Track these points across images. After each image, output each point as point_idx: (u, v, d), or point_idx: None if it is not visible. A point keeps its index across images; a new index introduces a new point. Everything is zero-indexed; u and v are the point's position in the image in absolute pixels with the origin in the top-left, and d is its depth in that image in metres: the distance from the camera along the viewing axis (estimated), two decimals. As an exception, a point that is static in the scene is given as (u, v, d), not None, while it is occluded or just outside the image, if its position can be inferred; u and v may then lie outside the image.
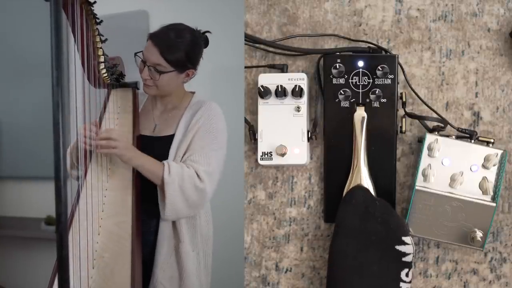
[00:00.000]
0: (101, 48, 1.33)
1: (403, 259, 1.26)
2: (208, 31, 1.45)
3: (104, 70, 1.37)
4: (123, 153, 1.33)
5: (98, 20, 1.30)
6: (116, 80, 1.49)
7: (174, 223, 1.41)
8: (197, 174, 1.36)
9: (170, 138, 1.42)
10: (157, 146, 1.41)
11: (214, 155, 1.40)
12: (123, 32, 1.80)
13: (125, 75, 1.52)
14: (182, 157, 1.39)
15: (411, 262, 1.26)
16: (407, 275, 1.26)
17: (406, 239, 1.25)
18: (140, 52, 1.41)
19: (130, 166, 1.37)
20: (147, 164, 1.35)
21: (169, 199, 1.34)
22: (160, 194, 1.36)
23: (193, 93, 1.51)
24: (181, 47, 1.39)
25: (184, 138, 1.41)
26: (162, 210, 1.36)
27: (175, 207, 1.35)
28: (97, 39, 1.32)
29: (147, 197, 1.38)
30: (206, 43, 1.46)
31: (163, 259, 1.41)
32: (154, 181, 1.36)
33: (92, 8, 1.25)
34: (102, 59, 1.34)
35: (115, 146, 1.32)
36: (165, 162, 1.36)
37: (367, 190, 1.29)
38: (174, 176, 1.34)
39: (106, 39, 1.34)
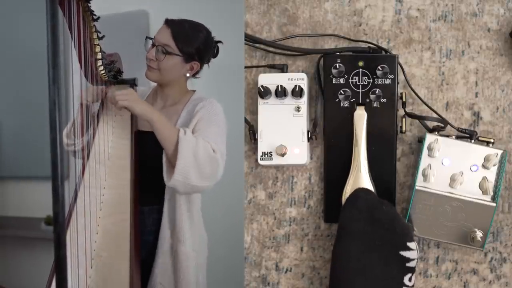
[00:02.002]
0: (98, 45, 1.33)
1: (407, 264, 1.25)
2: (220, 41, 1.46)
3: (102, 67, 1.37)
4: (133, 105, 1.29)
5: (95, 17, 1.29)
6: (114, 77, 1.49)
7: (174, 222, 1.40)
8: (210, 146, 1.31)
9: None
10: (157, 141, 1.41)
11: (220, 140, 1.35)
12: (123, 31, 1.80)
13: (122, 72, 1.52)
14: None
15: (414, 267, 1.26)
16: (410, 279, 1.26)
17: (411, 244, 1.25)
18: (152, 38, 1.41)
19: (128, 164, 1.36)
20: (162, 121, 1.30)
21: (181, 160, 1.25)
22: (171, 157, 1.28)
23: (194, 91, 1.50)
24: (192, 38, 1.40)
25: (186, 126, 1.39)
26: (169, 174, 1.28)
27: (186, 171, 1.26)
28: (94, 36, 1.31)
29: (142, 197, 1.37)
30: (216, 52, 1.46)
31: (163, 259, 1.40)
32: (164, 141, 1.28)
33: (89, 5, 1.25)
34: (99, 56, 1.34)
35: (125, 99, 1.29)
36: (180, 127, 1.31)
37: (371, 193, 1.29)
38: (189, 137, 1.28)
39: (103, 36, 1.34)
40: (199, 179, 1.29)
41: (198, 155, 1.27)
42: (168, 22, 1.41)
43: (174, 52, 1.39)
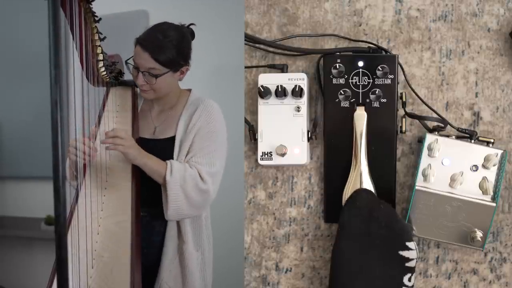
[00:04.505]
0: (99, 46, 1.33)
1: (407, 264, 1.25)
2: (192, 23, 1.44)
3: (103, 69, 1.36)
4: (128, 151, 1.33)
5: (96, 18, 1.29)
6: (115, 78, 1.49)
7: (178, 223, 1.41)
8: (199, 175, 1.36)
9: (171, 140, 1.41)
10: (159, 149, 1.41)
11: (216, 156, 1.40)
12: (123, 32, 1.80)
13: (124, 73, 1.52)
14: (185, 158, 1.39)
15: (414, 267, 1.26)
16: (409, 279, 1.26)
17: (410, 244, 1.25)
18: (130, 58, 1.40)
19: (129, 165, 1.37)
20: (150, 163, 1.36)
21: (171, 200, 1.35)
22: (164, 194, 1.37)
23: (189, 90, 1.50)
24: (170, 46, 1.37)
25: (185, 139, 1.40)
26: (165, 211, 1.37)
27: (177, 208, 1.36)
28: (96, 37, 1.31)
29: (152, 199, 1.38)
30: (192, 35, 1.44)
31: (169, 260, 1.41)
32: (157, 180, 1.36)
33: (91, 6, 1.25)
34: (100, 57, 1.34)
35: (120, 143, 1.32)
36: (168, 161, 1.36)
37: (371, 193, 1.29)
38: (176, 176, 1.34)
39: (104, 37, 1.33)
40: (191, 209, 1.38)
41: (187, 191, 1.35)
42: (141, 42, 1.37)
43: (162, 72, 1.37)
